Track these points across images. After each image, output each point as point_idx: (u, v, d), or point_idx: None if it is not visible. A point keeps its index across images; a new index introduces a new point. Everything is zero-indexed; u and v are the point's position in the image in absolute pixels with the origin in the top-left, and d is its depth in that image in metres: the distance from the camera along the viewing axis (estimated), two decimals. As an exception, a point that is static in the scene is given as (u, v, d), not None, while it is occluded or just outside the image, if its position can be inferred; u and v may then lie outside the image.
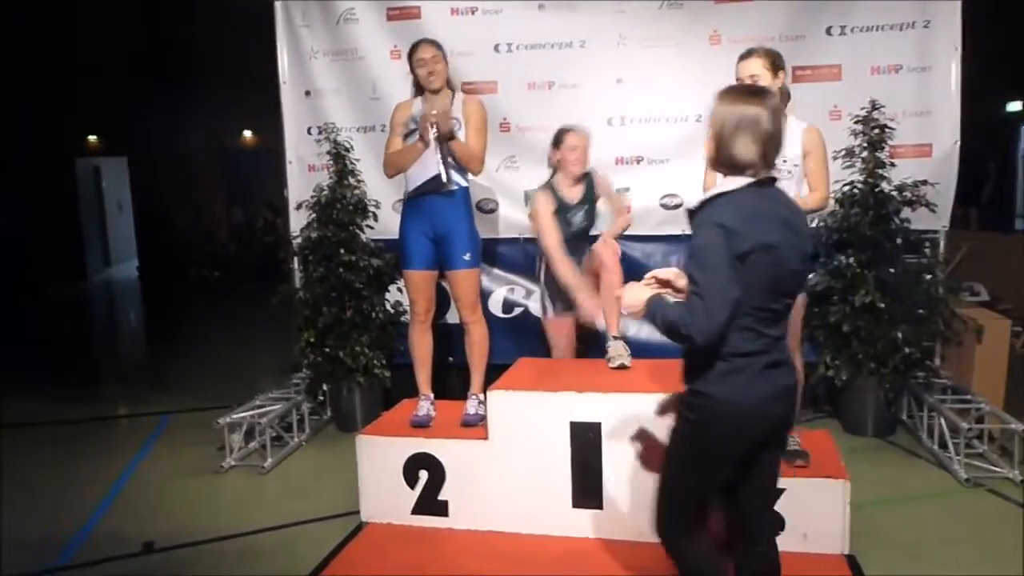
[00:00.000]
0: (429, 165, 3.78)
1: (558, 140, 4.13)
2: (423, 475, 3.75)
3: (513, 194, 5.27)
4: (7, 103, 11.39)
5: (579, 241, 4.17)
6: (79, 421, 5.76)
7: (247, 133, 14.44)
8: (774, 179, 2.29)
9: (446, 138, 3.77)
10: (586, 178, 4.19)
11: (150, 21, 12.76)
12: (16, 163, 12.18)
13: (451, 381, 5.02)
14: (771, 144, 2.22)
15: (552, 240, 4.03)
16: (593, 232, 4.26)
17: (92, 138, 14.49)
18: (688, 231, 4.78)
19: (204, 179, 14.59)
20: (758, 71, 3.40)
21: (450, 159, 3.81)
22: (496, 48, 5.22)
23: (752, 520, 2.43)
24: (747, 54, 3.47)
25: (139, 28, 12.69)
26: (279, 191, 13.76)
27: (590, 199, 4.20)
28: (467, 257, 3.94)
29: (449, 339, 4.78)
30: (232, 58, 11.89)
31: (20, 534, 3.91)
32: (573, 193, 4.16)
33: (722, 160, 2.25)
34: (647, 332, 5.14)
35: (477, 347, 4.05)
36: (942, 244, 4.95)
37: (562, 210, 4.12)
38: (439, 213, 3.89)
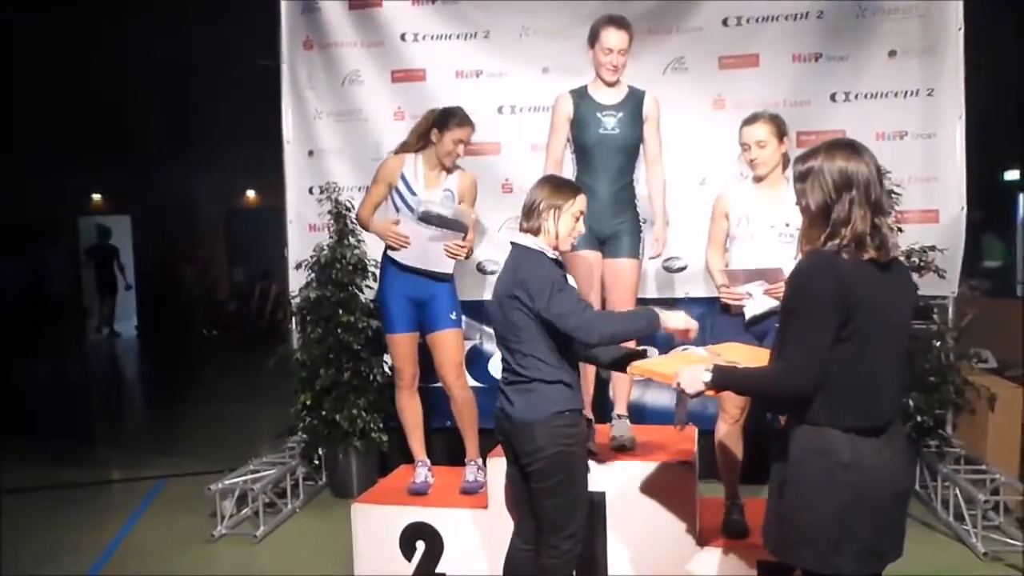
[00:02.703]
0: (430, 255, 3.79)
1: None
2: (420, 546, 3.62)
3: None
4: (15, 162, 11.47)
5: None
6: (72, 486, 5.61)
7: (250, 192, 14.54)
8: None
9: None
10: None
11: (155, 81, 12.96)
12: (23, 220, 12.21)
13: (454, 445, 4.90)
14: None
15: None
16: None
17: (96, 197, 14.60)
18: (692, 294, 4.72)
19: (206, 238, 14.64)
20: (764, 136, 3.39)
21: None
22: (500, 110, 5.24)
23: None
24: (752, 119, 3.46)
25: (143, 88, 12.87)
26: (280, 251, 13.85)
27: None
28: (453, 316, 3.89)
29: (443, 403, 4.68)
30: (236, 118, 12.07)
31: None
32: None
33: None
34: (648, 399, 5.07)
35: (466, 412, 3.95)
36: (951, 310, 4.88)
37: None
38: (421, 276, 3.85)
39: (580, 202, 2.86)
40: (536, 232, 2.83)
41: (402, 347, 3.91)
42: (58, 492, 5.48)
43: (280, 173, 5.58)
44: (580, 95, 3.86)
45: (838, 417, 2.11)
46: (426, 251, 3.78)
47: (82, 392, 10.03)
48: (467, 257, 3.92)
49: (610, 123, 3.76)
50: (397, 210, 3.93)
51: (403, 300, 3.85)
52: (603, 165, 3.77)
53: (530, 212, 2.83)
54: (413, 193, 3.88)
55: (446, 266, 3.83)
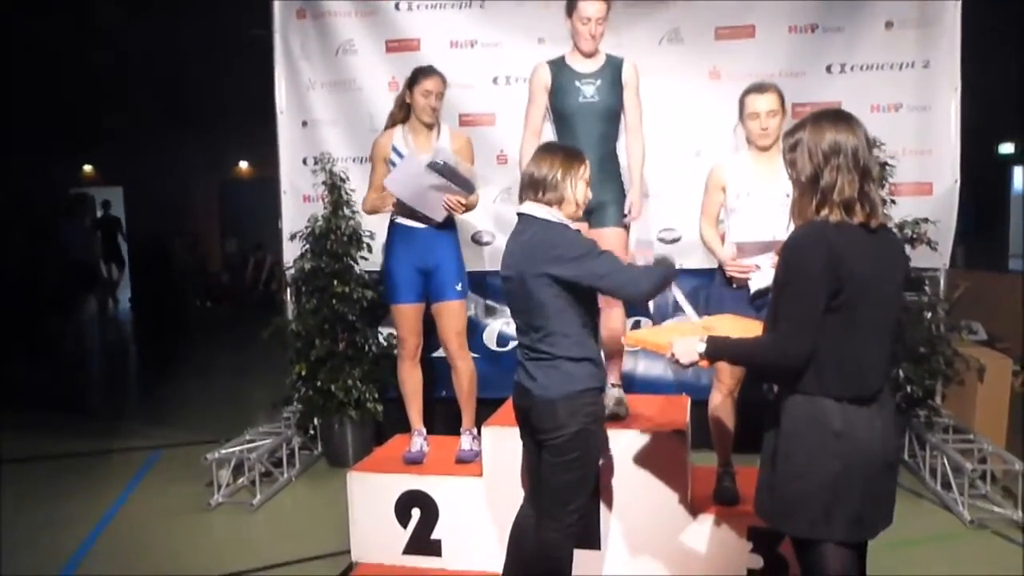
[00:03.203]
0: (428, 201, 3.73)
1: None
2: (416, 513, 3.66)
3: (510, 226, 5.19)
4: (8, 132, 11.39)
5: None
6: (69, 456, 5.64)
7: (243, 164, 14.45)
8: None
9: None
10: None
11: (145, 52, 12.81)
12: (19, 193, 12.13)
13: (449, 416, 4.93)
14: None
15: None
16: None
17: (87, 168, 14.49)
18: (687, 265, 4.72)
19: (199, 209, 14.58)
20: (776, 106, 3.38)
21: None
22: (495, 81, 5.22)
23: None
24: (763, 88, 3.42)
25: (134, 59, 12.72)
26: (273, 222, 13.81)
27: None
28: (458, 287, 3.88)
29: (439, 373, 4.71)
30: (229, 89, 11.96)
31: (4, 572, 3.79)
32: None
33: None
34: (641, 369, 5.11)
35: (467, 382, 3.96)
36: (943, 282, 4.91)
37: None
38: (429, 245, 3.83)
39: (587, 166, 2.84)
40: (556, 203, 2.76)
41: (407, 317, 3.91)
42: (53, 463, 5.51)
43: (273, 144, 5.54)
44: (558, 65, 3.82)
45: (829, 386, 2.14)
46: (425, 197, 3.71)
47: (78, 362, 10.04)
48: (463, 211, 3.85)
49: (589, 91, 3.73)
50: None
51: (409, 270, 3.84)
52: (584, 133, 3.72)
53: (546, 184, 2.74)
54: None
55: (438, 214, 3.75)
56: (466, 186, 3.73)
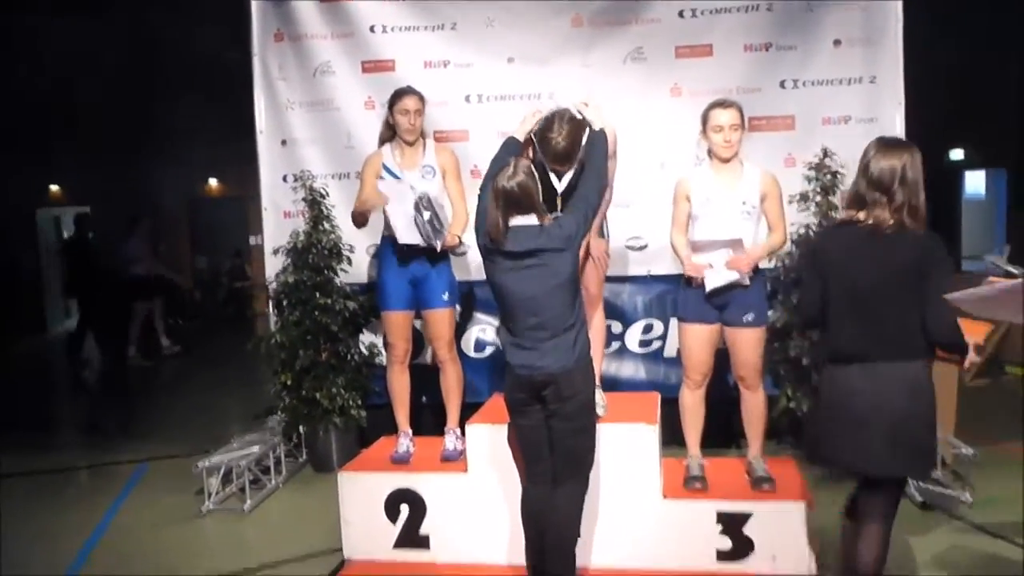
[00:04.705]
0: (415, 230, 3.95)
1: None
2: (404, 509, 3.85)
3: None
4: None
5: None
6: (51, 471, 5.73)
7: (212, 181, 14.51)
8: None
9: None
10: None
11: (115, 71, 12.85)
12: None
13: (424, 420, 5.12)
14: None
15: None
16: None
17: (54, 188, 14.44)
18: (654, 271, 5.03)
19: (169, 227, 14.58)
20: (737, 120, 3.65)
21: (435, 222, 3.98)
22: (467, 99, 5.45)
23: None
24: (726, 104, 3.69)
25: (102, 77, 12.75)
26: (244, 238, 13.88)
27: None
28: (445, 297, 4.10)
29: (421, 379, 4.90)
30: (198, 107, 12.07)
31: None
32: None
33: None
34: (614, 369, 5.34)
35: (453, 384, 4.18)
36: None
37: None
38: (418, 255, 4.05)
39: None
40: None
41: (396, 324, 4.13)
42: (38, 479, 5.59)
43: (242, 162, 5.70)
44: None
45: (829, 353, 2.86)
46: (421, 227, 3.95)
47: (51, 383, 10.05)
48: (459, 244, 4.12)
49: None
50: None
51: (399, 279, 4.06)
52: None
53: (530, 198, 3.11)
54: (397, 178, 4.08)
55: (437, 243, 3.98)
56: (439, 231, 3.94)
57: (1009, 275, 2.56)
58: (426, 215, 3.89)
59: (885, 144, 2.82)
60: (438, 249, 4.00)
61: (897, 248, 2.71)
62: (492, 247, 3.11)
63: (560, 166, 3.29)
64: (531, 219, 3.07)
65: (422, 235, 3.90)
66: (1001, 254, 2.62)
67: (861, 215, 2.77)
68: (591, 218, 3.19)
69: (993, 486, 4.36)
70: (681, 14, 5.27)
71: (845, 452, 2.78)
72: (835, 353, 2.83)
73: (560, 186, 3.32)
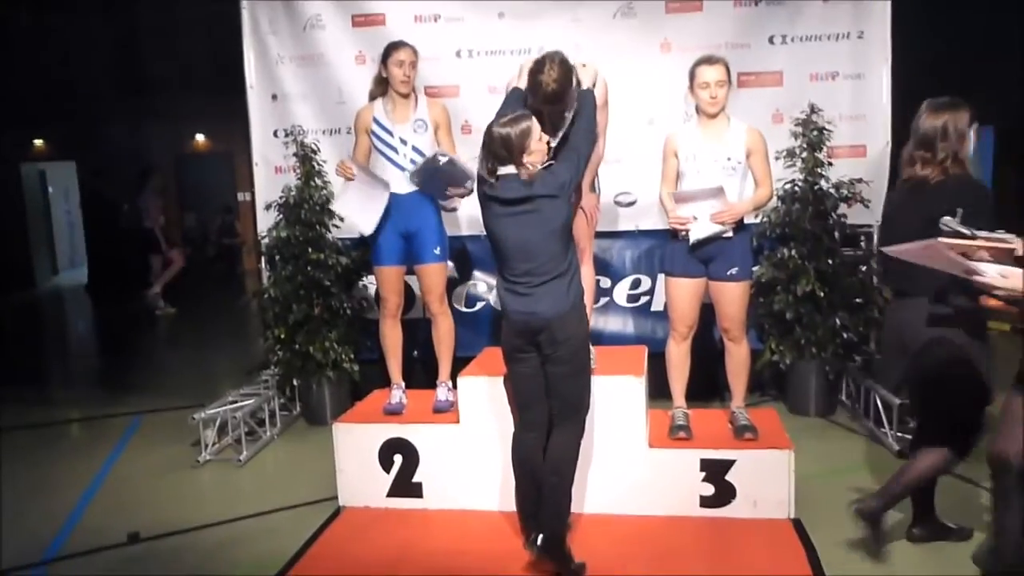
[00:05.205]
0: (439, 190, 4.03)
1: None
2: (398, 459, 3.96)
3: (474, 192, 5.48)
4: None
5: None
6: (47, 425, 5.83)
7: (199, 137, 14.39)
8: None
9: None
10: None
11: (100, 25, 12.66)
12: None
13: (415, 375, 5.23)
14: None
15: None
16: None
17: (38, 142, 14.30)
18: (642, 227, 5.07)
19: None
20: (724, 76, 3.69)
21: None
22: (458, 54, 5.46)
23: None
24: (712, 60, 3.73)
25: (88, 32, 12.57)
26: (232, 194, 13.82)
27: None
28: (437, 251, 4.16)
29: (412, 334, 4.98)
30: (185, 61, 11.94)
31: (4, 533, 3.97)
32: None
33: None
34: (601, 324, 5.44)
35: (445, 337, 4.26)
36: (875, 237, 5.31)
37: None
38: (410, 210, 4.11)
39: (537, 126, 3.18)
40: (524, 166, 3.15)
41: (388, 278, 4.21)
42: (37, 431, 5.69)
43: (230, 118, 5.69)
44: None
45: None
46: (435, 184, 4.01)
47: (43, 338, 10.09)
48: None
49: None
50: (381, 153, 4.14)
51: (392, 234, 4.12)
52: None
53: (512, 151, 3.13)
54: (388, 131, 4.11)
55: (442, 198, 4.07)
56: (459, 178, 3.98)
57: (959, 235, 2.70)
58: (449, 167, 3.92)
59: (932, 106, 3.10)
60: (449, 206, 4.12)
61: (936, 198, 2.94)
62: (488, 193, 3.18)
63: (551, 107, 3.34)
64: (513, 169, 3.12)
65: (426, 183, 3.97)
66: (955, 216, 2.78)
67: (911, 172, 3.09)
68: (583, 168, 3.26)
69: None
70: (671, -31, 5.27)
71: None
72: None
73: (554, 140, 3.36)
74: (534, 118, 3.18)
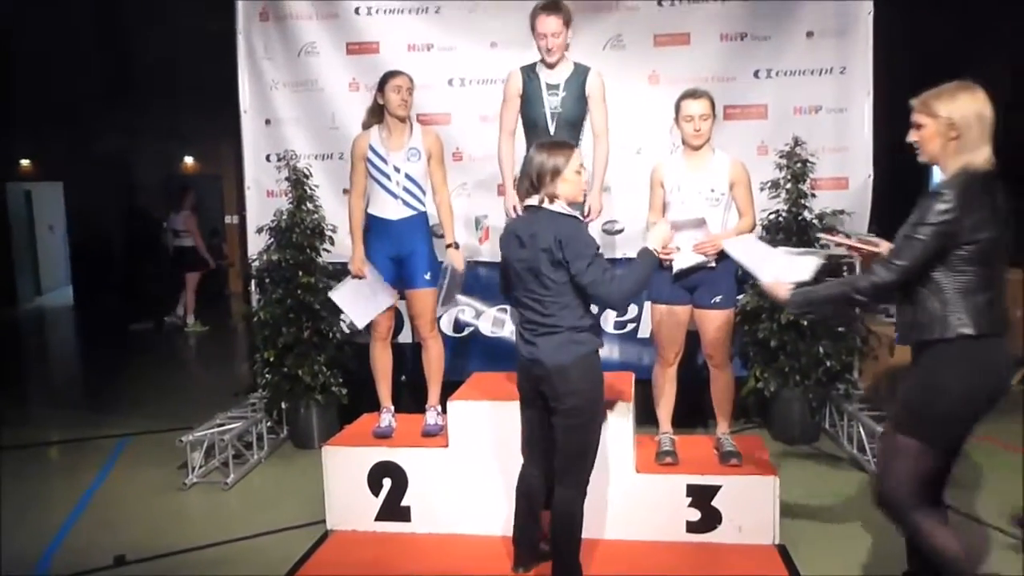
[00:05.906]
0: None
1: None
2: (386, 483, 3.98)
3: (465, 220, 5.56)
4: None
5: None
6: (33, 445, 5.79)
7: (188, 159, 14.42)
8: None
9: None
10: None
11: (91, 47, 12.71)
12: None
13: (403, 399, 5.25)
14: None
15: None
16: None
17: (25, 162, 14.28)
18: (630, 254, 5.16)
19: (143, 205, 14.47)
20: (708, 110, 3.78)
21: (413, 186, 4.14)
22: (450, 82, 5.56)
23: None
24: (697, 94, 3.81)
25: (79, 54, 12.60)
26: (220, 217, 13.81)
27: None
28: (427, 276, 4.21)
29: (401, 358, 5.02)
30: (176, 84, 11.97)
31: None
32: None
33: None
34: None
35: (435, 362, 4.30)
36: (858, 268, 5.40)
37: None
38: (401, 235, 4.17)
39: (579, 154, 3.13)
40: (558, 195, 3.04)
41: None
42: (22, 452, 5.64)
43: (220, 141, 5.75)
44: (529, 72, 4.17)
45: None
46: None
47: (28, 358, 10.02)
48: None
49: (554, 102, 4.08)
50: (375, 180, 4.19)
51: (383, 259, 4.19)
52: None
53: (540, 179, 3.03)
54: (383, 159, 4.17)
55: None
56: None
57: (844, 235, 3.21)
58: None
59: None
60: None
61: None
62: (509, 227, 3.20)
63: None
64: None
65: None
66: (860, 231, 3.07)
67: None
68: (582, 269, 2.98)
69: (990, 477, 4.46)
70: (660, 2, 5.42)
71: None
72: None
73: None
74: (578, 148, 3.17)
